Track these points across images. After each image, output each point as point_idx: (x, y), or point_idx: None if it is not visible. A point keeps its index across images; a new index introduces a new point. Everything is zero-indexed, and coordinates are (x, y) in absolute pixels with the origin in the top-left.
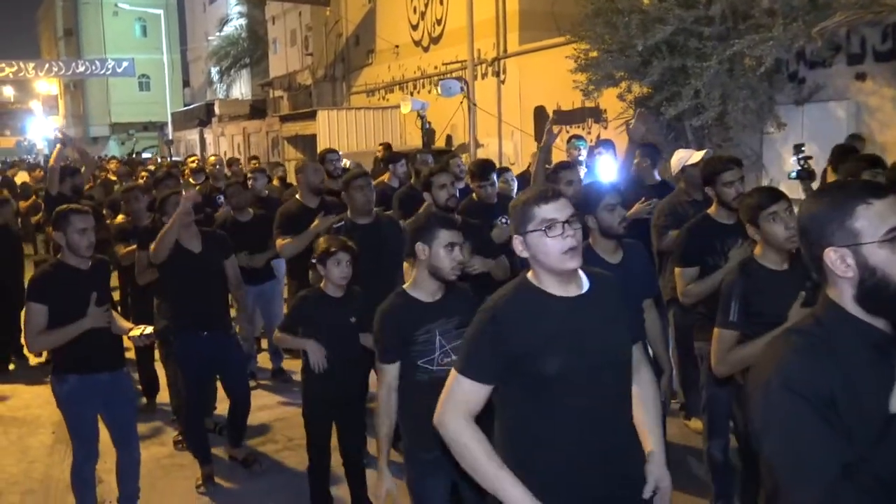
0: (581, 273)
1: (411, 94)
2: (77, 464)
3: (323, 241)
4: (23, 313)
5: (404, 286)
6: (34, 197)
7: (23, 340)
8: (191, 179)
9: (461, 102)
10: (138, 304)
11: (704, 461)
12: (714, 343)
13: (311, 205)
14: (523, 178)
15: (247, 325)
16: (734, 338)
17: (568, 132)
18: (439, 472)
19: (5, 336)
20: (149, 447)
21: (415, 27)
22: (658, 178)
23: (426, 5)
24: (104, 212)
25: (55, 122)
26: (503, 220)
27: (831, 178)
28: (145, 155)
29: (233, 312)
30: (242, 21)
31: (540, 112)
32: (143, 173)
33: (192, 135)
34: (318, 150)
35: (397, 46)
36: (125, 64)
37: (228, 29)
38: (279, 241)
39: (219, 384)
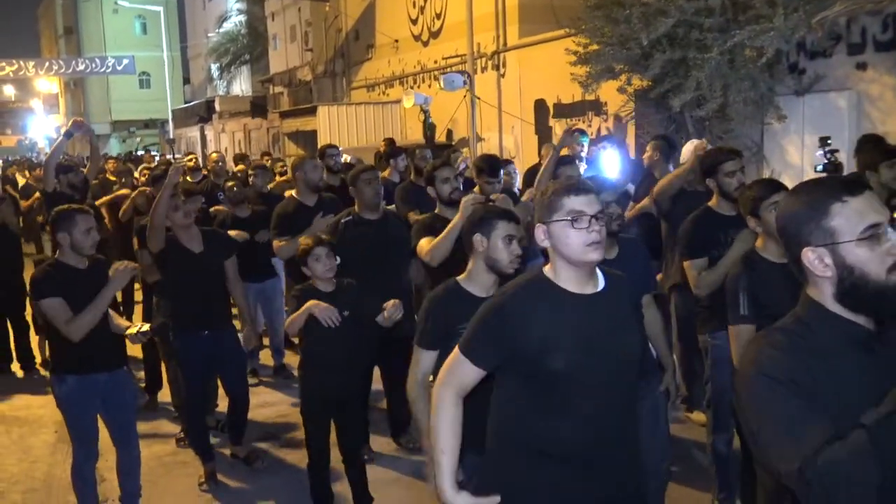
0: (598, 271)
1: (411, 88)
2: (77, 463)
3: (301, 241)
4: (27, 315)
5: (457, 278)
6: (37, 195)
7: (33, 344)
8: (188, 178)
9: (464, 96)
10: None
11: (708, 454)
12: (732, 341)
13: (308, 203)
14: (532, 173)
15: (248, 323)
16: (750, 331)
17: (569, 125)
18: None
19: (4, 337)
20: (151, 445)
21: (414, 21)
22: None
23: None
24: (103, 210)
25: (56, 121)
26: None
27: (857, 169)
28: (139, 152)
29: (234, 311)
30: (242, 17)
31: (540, 105)
32: (145, 171)
33: (193, 132)
34: (319, 146)
35: (397, 41)
36: (125, 61)
37: (228, 25)
38: (276, 243)
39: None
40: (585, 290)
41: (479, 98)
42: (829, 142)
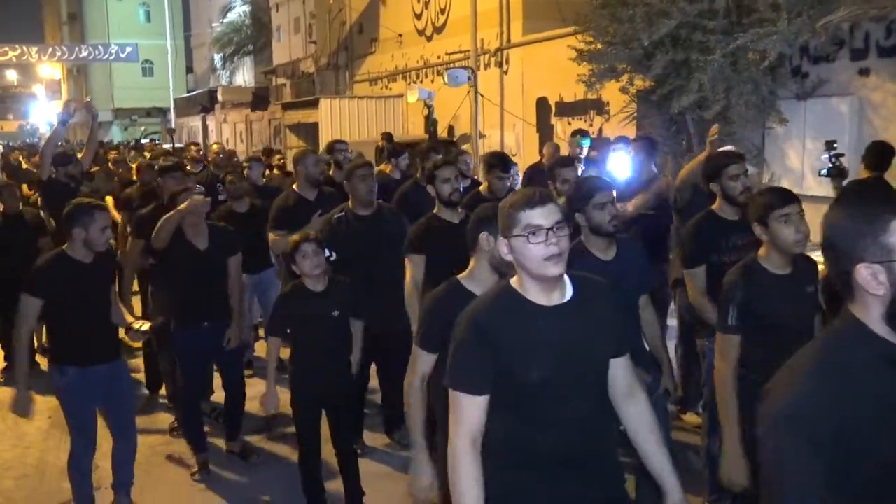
0: (566, 279)
1: (414, 83)
2: (76, 455)
3: (291, 238)
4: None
5: (459, 276)
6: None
7: (44, 338)
8: (190, 167)
9: (468, 92)
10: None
11: (702, 456)
12: (716, 345)
13: (309, 197)
14: (537, 171)
15: (239, 322)
16: (734, 342)
17: (570, 125)
18: None
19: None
20: (144, 434)
21: (418, 16)
22: (655, 171)
23: None
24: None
25: (58, 107)
26: None
27: (864, 174)
28: (144, 141)
29: None
30: (246, 8)
31: (542, 103)
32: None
33: (195, 121)
34: (320, 138)
35: (401, 35)
36: (129, 49)
37: (232, 15)
38: (272, 236)
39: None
40: (552, 301)
41: (482, 95)
42: (834, 145)
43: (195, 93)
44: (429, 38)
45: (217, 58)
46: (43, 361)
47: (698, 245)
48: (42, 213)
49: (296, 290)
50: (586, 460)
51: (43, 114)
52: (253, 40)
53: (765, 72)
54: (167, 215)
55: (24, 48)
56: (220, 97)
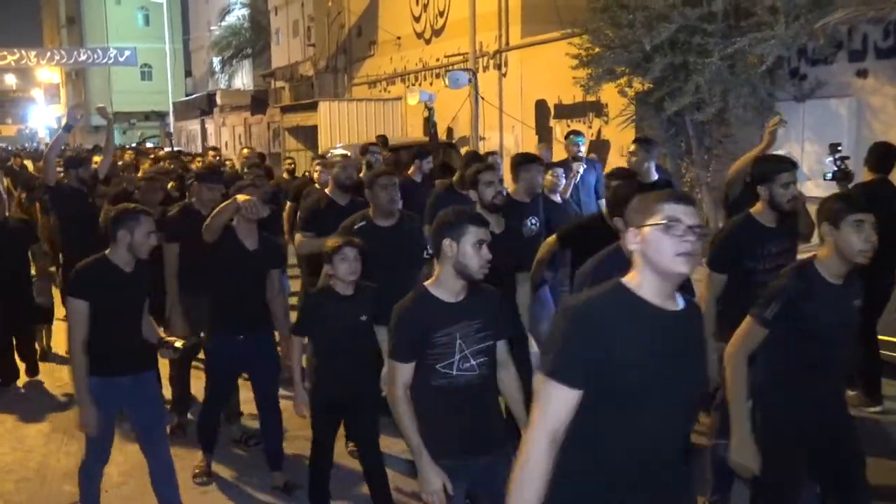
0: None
1: (413, 85)
2: (88, 463)
3: (330, 240)
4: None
5: (426, 283)
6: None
7: (50, 345)
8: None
9: (468, 95)
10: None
11: (707, 456)
12: (742, 327)
13: (340, 202)
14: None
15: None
16: (760, 334)
17: (569, 127)
18: (456, 480)
19: (6, 342)
20: None
21: (417, 19)
22: (655, 175)
23: None
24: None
25: (57, 111)
26: (532, 222)
27: (867, 177)
28: (149, 144)
29: None
30: (245, 11)
31: (541, 105)
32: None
33: (194, 125)
34: (319, 142)
35: (399, 38)
36: (127, 53)
37: (231, 19)
38: (298, 236)
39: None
40: (667, 306)
41: (483, 98)
42: (839, 148)
43: (194, 96)
44: (427, 41)
45: (216, 61)
46: (44, 366)
47: (729, 251)
48: (40, 218)
49: (325, 293)
50: (661, 477)
51: (42, 118)
52: (251, 43)
53: (763, 74)
54: (221, 206)
55: (23, 52)
56: (218, 100)
